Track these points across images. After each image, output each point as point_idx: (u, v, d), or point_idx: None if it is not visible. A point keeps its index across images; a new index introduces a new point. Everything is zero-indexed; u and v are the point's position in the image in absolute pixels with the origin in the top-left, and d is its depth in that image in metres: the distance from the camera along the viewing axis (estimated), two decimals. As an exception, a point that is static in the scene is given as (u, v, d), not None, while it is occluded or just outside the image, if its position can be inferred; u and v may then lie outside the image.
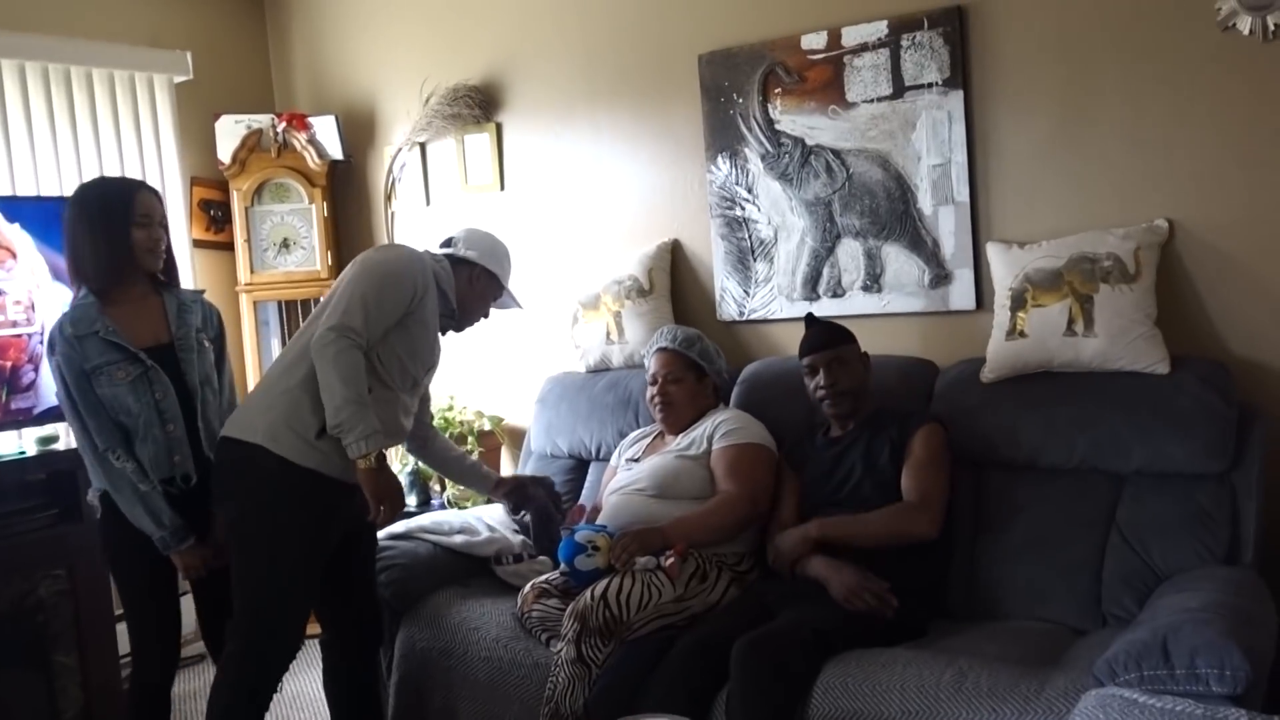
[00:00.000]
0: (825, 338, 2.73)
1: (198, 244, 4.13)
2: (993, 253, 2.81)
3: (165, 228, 2.60)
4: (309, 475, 2.36)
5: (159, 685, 2.64)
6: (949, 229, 2.94)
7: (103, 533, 2.59)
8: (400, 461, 3.79)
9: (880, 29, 2.99)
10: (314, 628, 3.91)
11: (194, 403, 2.56)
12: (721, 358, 3.01)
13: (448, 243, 2.74)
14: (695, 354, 2.92)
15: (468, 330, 2.77)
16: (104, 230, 2.47)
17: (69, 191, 3.57)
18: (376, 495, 2.36)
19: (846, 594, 2.40)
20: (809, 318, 2.82)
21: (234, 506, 2.41)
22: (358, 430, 2.28)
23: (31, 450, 3.17)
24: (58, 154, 3.66)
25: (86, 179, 3.65)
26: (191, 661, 3.84)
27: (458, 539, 3.02)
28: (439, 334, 2.64)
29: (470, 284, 2.69)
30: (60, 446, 3.26)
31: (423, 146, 4.00)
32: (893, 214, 3.03)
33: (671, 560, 2.55)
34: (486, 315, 2.77)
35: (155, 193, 2.60)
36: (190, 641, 3.88)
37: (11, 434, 3.23)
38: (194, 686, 3.73)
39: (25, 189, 3.54)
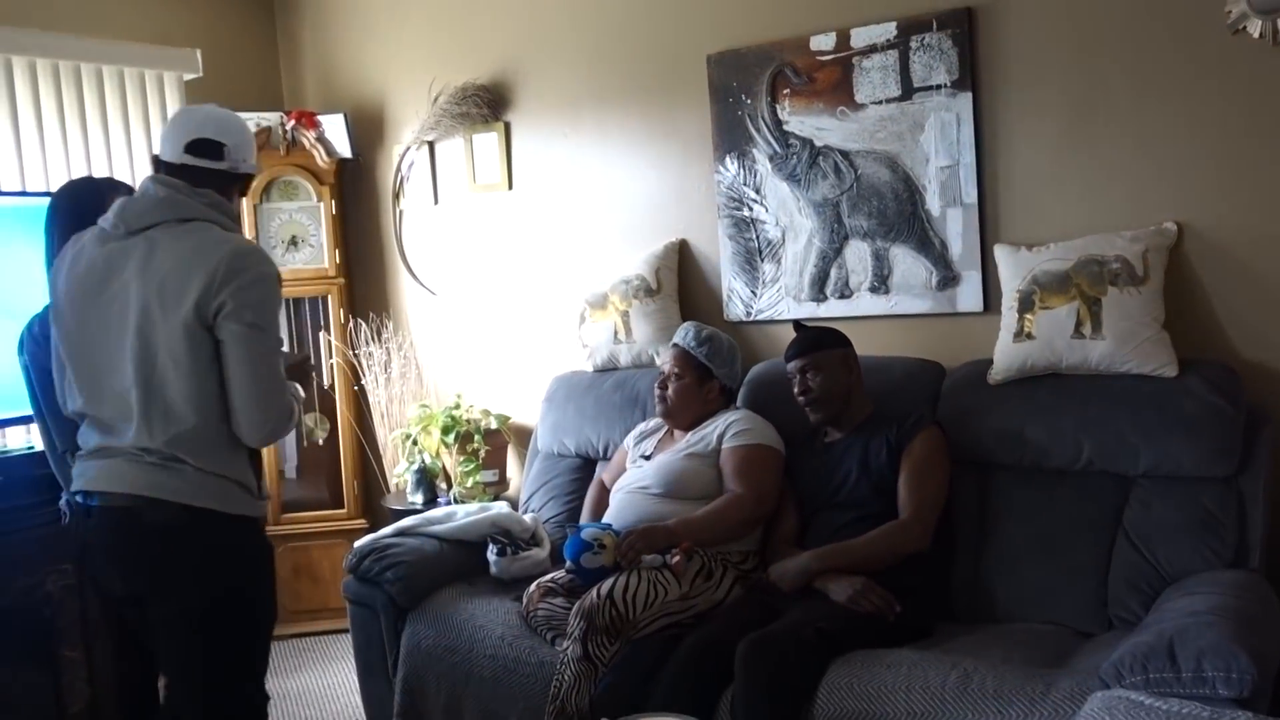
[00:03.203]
0: (801, 345, 2.75)
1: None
2: (1001, 254, 2.81)
3: None
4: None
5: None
6: (957, 230, 2.94)
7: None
8: (407, 459, 3.80)
9: (889, 30, 2.99)
10: (332, 623, 3.91)
11: None
12: (738, 360, 3.01)
13: (203, 150, 2.16)
14: (702, 355, 2.93)
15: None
16: (73, 232, 2.28)
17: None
18: None
19: (850, 596, 2.40)
20: (795, 325, 2.83)
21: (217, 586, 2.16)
22: None
23: (39, 445, 3.18)
24: (67, 151, 3.68)
25: (96, 176, 3.71)
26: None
27: (448, 525, 3.04)
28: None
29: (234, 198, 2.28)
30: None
31: (431, 145, 4.01)
32: (901, 215, 3.03)
33: (677, 558, 2.56)
34: None
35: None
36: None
37: (19, 429, 3.24)
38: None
39: (35, 185, 3.55)
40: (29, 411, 3.03)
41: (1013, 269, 2.75)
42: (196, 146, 2.16)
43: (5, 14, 3.56)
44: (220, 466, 2.12)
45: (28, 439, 3.26)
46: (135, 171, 3.84)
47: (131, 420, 2.08)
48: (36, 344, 2.44)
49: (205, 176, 2.17)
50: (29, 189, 3.51)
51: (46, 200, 3.30)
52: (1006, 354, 2.71)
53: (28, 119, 3.58)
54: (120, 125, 3.83)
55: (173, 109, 3.97)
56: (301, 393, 2.34)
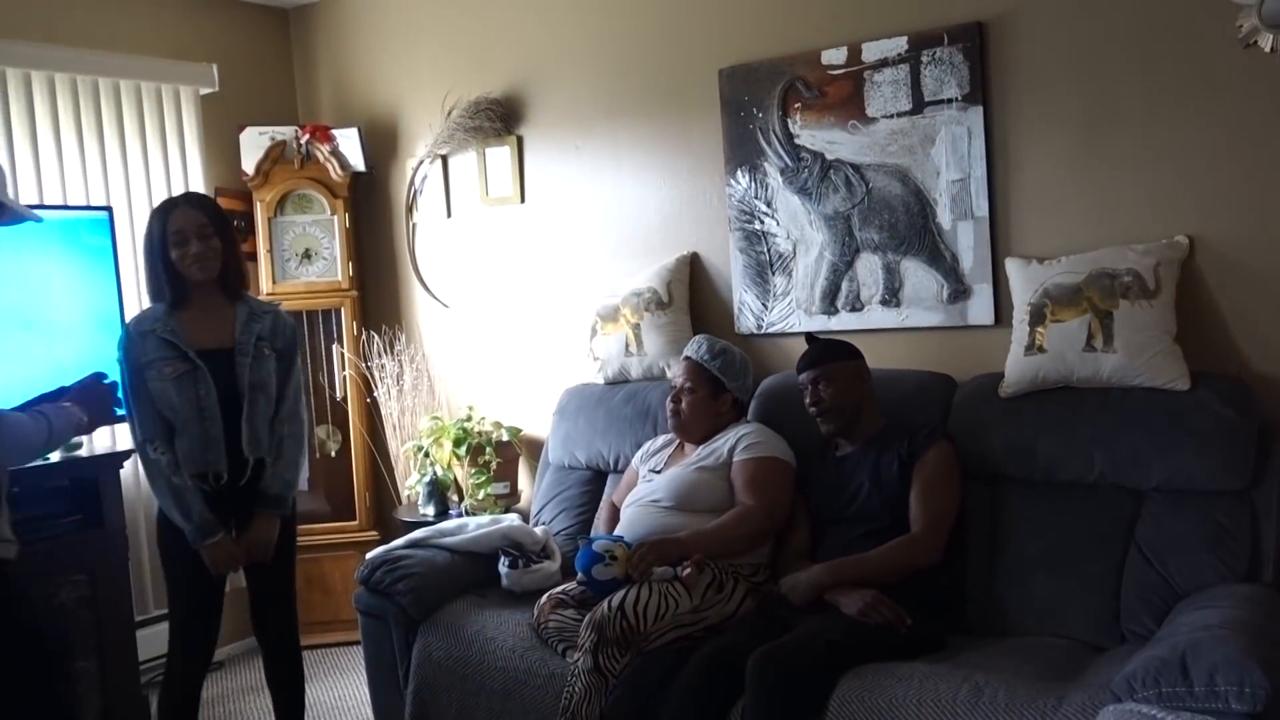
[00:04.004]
0: (813, 356, 2.76)
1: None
2: (1012, 268, 2.81)
3: (210, 237, 2.67)
4: None
5: (183, 675, 2.73)
6: (968, 244, 2.95)
7: (160, 519, 2.71)
8: (419, 471, 3.81)
9: (900, 44, 3.00)
10: (344, 634, 3.89)
11: (241, 403, 2.66)
12: (749, 374, 3.02)
13: None
14: (715, 368, 2.93)
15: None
16: (148, 254, 2.70)
17: (94, 200, 3.65)
18: None
19: (861, 608, 2.40)
20: (808, 336, 2.84)
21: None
22: None
23: (55, 456, 3.20)
24: (84, 165, 3.71)
25: (112, 189, 3.74)
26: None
27: (459, 538, 3.05)
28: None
29: None
30: (84, 453, 3.30)
31: (444, 159, 4.04)
32: (912, 228, 3.03)
33: (688, 570, 2.56)
34: None
35: (196, 205, 2.72)
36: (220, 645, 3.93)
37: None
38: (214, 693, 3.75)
39: (53, 198, 3.58)
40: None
41: (1024, 282, 2.75)
42: None
43: (24, 29, 3.60)
44: None
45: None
46: (151, 185, 3.88)
47: None
48: (129, 339, 2.66)
49: None
50: (47, 203, 3.55)
51: (65, 214, 3.34)
52: (1018, 367, 2.71)
53: (46, 133, 3.62)
54: (137, 139, 3.86)
55: (190, 123, 4.00)
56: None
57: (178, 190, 3.94)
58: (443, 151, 3.99)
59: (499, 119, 3.84)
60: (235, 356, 2.68)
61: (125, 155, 3.83)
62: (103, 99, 3.77)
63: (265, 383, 2.71)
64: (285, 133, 4.10)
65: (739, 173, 3.33)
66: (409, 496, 3.95)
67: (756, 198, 3.30)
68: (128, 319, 2.78)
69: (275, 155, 4.08)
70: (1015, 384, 2.71)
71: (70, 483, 3.21)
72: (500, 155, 3.89)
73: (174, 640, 2.75)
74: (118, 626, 3.23)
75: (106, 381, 2.45)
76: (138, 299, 3.70)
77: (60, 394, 2.36)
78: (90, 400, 2.37)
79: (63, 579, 3.11)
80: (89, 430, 2.43)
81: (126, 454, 3.36)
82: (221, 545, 2.64)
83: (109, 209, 3.49)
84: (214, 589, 2.73)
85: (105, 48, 3.80)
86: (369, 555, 3.03)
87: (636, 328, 3.40)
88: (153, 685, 3.67)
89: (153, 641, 3.66)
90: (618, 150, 3.63)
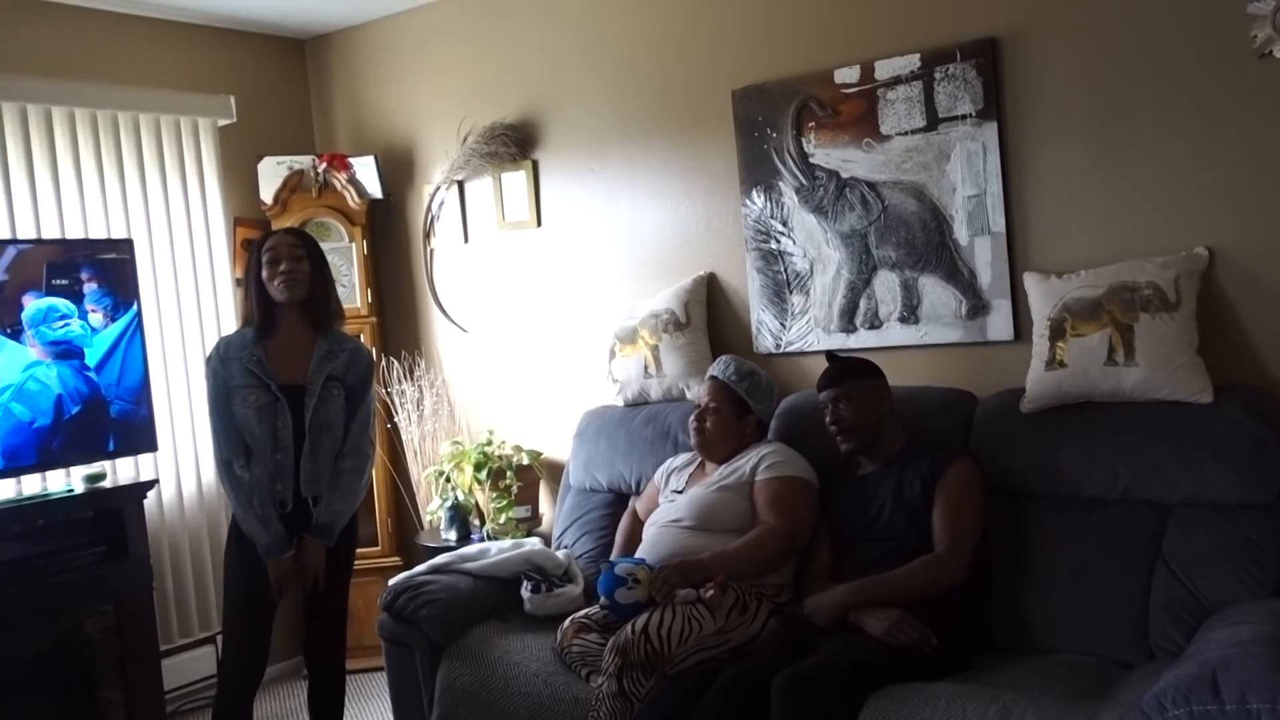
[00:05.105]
0: (833, 374, 2.75)
1: (240, 283, 4.19)
2: (1030, 283, 2.80)
3: (300, 259, 2.80)
4: None
5: (236, 688, 2.81)
6: (985, 259, 2.94)
7: (232, 535, 2.85)
8: (440, 496, 3.82)
9: (913, 62, 3.00)
10: (367, 661, 3.89)
11: (304, 443, 2.76)
12: (774, 396, 3.02)
13: None
14: (742, 390, 2.93)
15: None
16: (249, 272, 2.87)
17: (116, 233, 3.69)
18: None
19: (887, 629, 2.38)
20: (828, 355, 2.84)
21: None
22: None
23: (79, 488, 3.23)
24: (104, 197, 3.74)
25: (132, 221, 3.78)
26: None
27: (481, 563, 3.07)
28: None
29: None
30: (108, 484, 3.32)
31: (460, 184, 4.06)
32: (929, 245, 3.03)
33: (711, 592, 2.55)
34: None
35: (292, 232, 2.90)
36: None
37: (59, 472, 3.29)
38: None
39: (74, 231, 3.62)
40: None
41: (1043, 297, 2.74)
42: None
43: (43, 65, 3.66)
44: None
45: (67, 482, 3.31)
46: (171, 217, 3.91)
47: None
48: (217, 363, 2.79)
49: None
50: (69, 235, 3.58)
51: (89, 249, 3.36)
52: (1039, 382, 2.69)
53: (67, 167, 3.66)
54: (157, 171, 3.90)
55: (209, 154, 4.04)
56: None
57: (198, 221, 3.99)
58: (459, 177, 4.01)
59: (514, 144, 3.86)
60: (305, 396, 2.78)
61: (145, 187, 3.87)
62: (122, 132, 3.81)
63: (331, 424, 2.81)
64: (303, 162, 4.13)
65: (754, 193, 3.33)
66: (430, 522, 3.95)
67: (772, 217, 3.31)
68: (212, 337, 2.93)
69: (293, 184, 4.11)
70: (1037, 399, 2.69)
71: (95, 514, 3.23)
72: (516, 180, 3.91)
73: (228, 657, 2.85)
74: (143, 656, 3.24)
75: None
76: (159, 330, 3.74)
77: None
78: None
79: (89, 609, 3.13)
80: None
81: (150, 484, 3.39)
82: (288, 565, 2.75)
83: (130, 241, 3.52)
84: (268, 608, 2.81)
85: (125, 81, 3.85)
86: (392, 581, 3.04)
87: (655, 349, 3.40)
88: (178, 715, 3.69)
89: (178, 671, 3.69)
90: (633, 172, 3.64)
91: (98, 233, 3.68)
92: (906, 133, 3.03)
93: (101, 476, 3.30)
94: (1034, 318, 2.77)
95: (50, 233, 3.56)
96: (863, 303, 3.16)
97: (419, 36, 4.18)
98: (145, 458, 3.62)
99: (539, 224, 3.90)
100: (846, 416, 2.71)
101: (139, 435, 3.38)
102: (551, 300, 3.91)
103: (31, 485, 3.33)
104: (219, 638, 3.84)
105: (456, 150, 3.94)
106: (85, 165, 3.71)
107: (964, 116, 2.93)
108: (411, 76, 4.22)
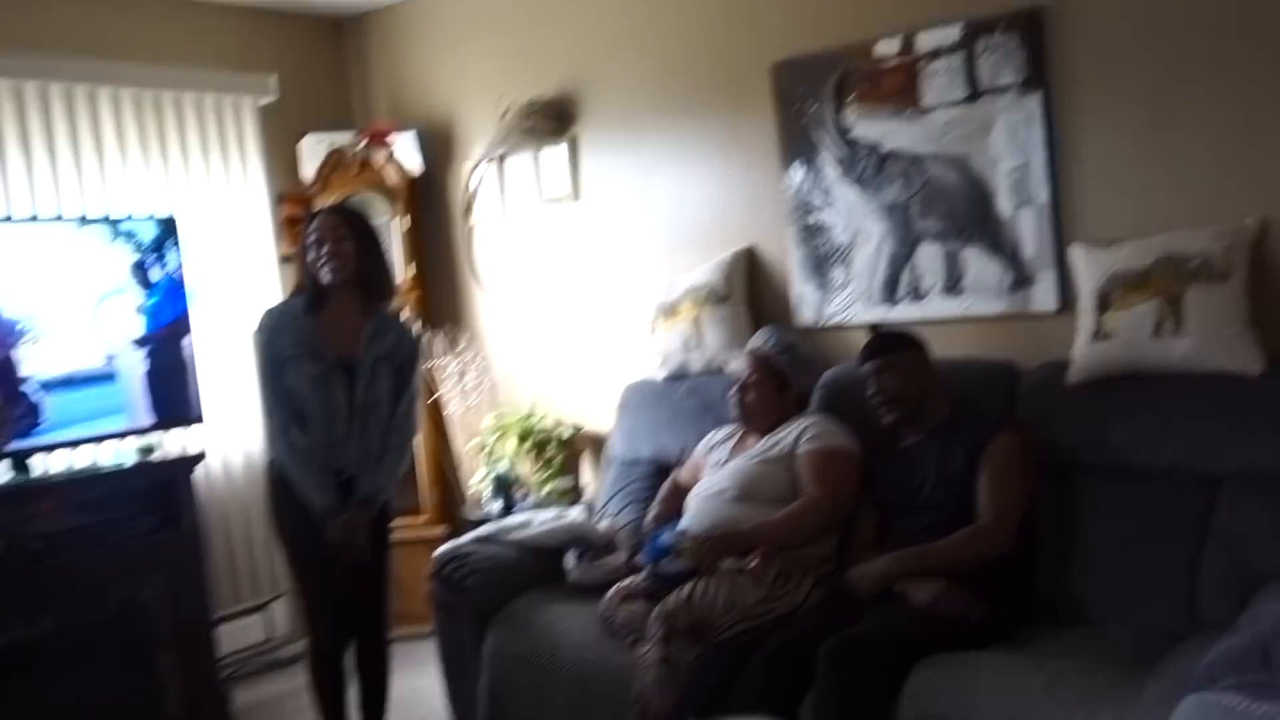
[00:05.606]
0: (876, 346, 2.75)
1: (286, 260, 4.24)
2: (1077, 254, 2.78)
3: (342, 240, 2.82)
4: None
5: (328, 652, 2.92)
6: (1029, 231, 2.92)
7: (273, 508, 2.92)
8: (486, 467, 3.86)
9: (954, 33, 2.98)
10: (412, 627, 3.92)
11: (354, 420, 2.84)
12: (816, 368, 3.03)
13: None
14: (784, 362, 2.94)
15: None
16: (300, 254, 2.92)
17: (160, 212, 3.74)
18: None
19: (932, 599, 2.39)
20: (871, 327, 2.84)
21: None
22: None
23: (131, 461, 3.30)
24: (149, 175, 3.80)
25: (176, 199, 3.83)
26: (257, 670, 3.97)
27: (526, 533, 3.11)
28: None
29: None
30: (158, 457, 3.39)
31: (500, 160, 4.07)
32: (971, 217, 3.01)
33: (755, 563, 2.57)
34: None
35: (336, 212, 2.94)
36: (277, 647, 4.02)
37: (111, 444, 3.36)
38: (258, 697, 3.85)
39: (119, 209, 3.67)
40: (122, 428, 3.19)
41: (1089, 268, 2.72)
42: None
43: (88, 46, 3.71)
44: None
45: (119, 453, 3.38)
46: (214, 194, 3.96)
47: None
48: (266, 332, 2.84)
49: None
50: (113, 214, 3.63)
51: (133, 224, 3.43)
52: (1085, 354, 2.68)
53: (111, 146, 3.71)
54: (199, 150, 3.95)
55: (250, 132, 4.08)
56: None
57: (240, 198, 4.03)
58: (498, 152, 4.03)
59: (553, 119, 3.87)
60: (356, 373, 2.84)
61: (188, 166, 3.92)
62: (166, 112, 3.86)
63: (379, 402, 2.87)
64: (344, 138, 4.16)
65: (794, 166, 3.33)
66: (474, 494, 4.00)
67: (813, 190, 3.30)
68: (257, 312, 2.94)
69: (335, 161, 4.15)
70: (1083, 371, 2.68)
71: (148, 486, 3.30)
72: (555, 155, 3.92)
73: (315, 625, 2.93)
74: (197, 623, 3.32)
75: None
76: (201, 307, 3.79)
77: None
78: None
79: (143, 578, 3.20)
80: None
81: (199, 457, 3.45)
82: (343, 524, 2.80)
83: (172, 219, 3.56)
84: (337, 570, 2.86)
85: (168, 62, 3.89)
86: (438, 551, 3.09)
87: (696, 321, 3.41)
88: (232, 679, 3.78)
89: (232, 637, 3.79)
90: (672, 146, 3.64)
91: (143, 212, 3.73)
92: (948, 104, 3.01)
93: (153, 449, 3.36)
94: (1080, 289, 2.75)
95: (95, 211, 3.61)
96: (905, 275, 3.15)
97: (457, 14, 4.19)
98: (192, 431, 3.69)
99: (577, 198, 3.91)
100: (889, 388, 2.71)
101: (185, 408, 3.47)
102: (592, 274, 3.93)
103: (82, 459, 3.40)
104: (273, 604, 3.96)
105: (496, 126, 3.95)
106: (129, 144, 3.76)
107: (1007, 87, 2.91)
108: (450, 54, 4.23)
